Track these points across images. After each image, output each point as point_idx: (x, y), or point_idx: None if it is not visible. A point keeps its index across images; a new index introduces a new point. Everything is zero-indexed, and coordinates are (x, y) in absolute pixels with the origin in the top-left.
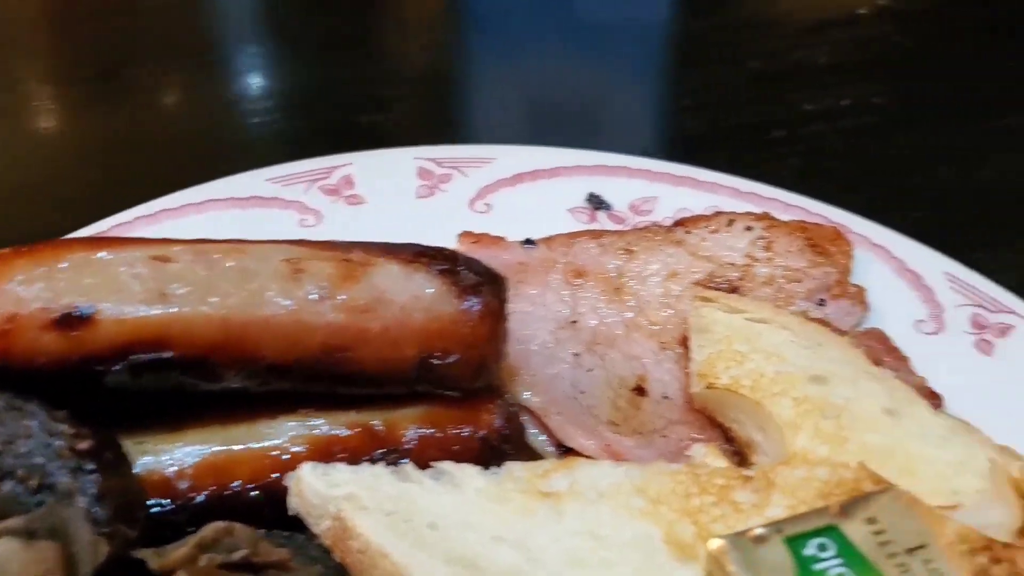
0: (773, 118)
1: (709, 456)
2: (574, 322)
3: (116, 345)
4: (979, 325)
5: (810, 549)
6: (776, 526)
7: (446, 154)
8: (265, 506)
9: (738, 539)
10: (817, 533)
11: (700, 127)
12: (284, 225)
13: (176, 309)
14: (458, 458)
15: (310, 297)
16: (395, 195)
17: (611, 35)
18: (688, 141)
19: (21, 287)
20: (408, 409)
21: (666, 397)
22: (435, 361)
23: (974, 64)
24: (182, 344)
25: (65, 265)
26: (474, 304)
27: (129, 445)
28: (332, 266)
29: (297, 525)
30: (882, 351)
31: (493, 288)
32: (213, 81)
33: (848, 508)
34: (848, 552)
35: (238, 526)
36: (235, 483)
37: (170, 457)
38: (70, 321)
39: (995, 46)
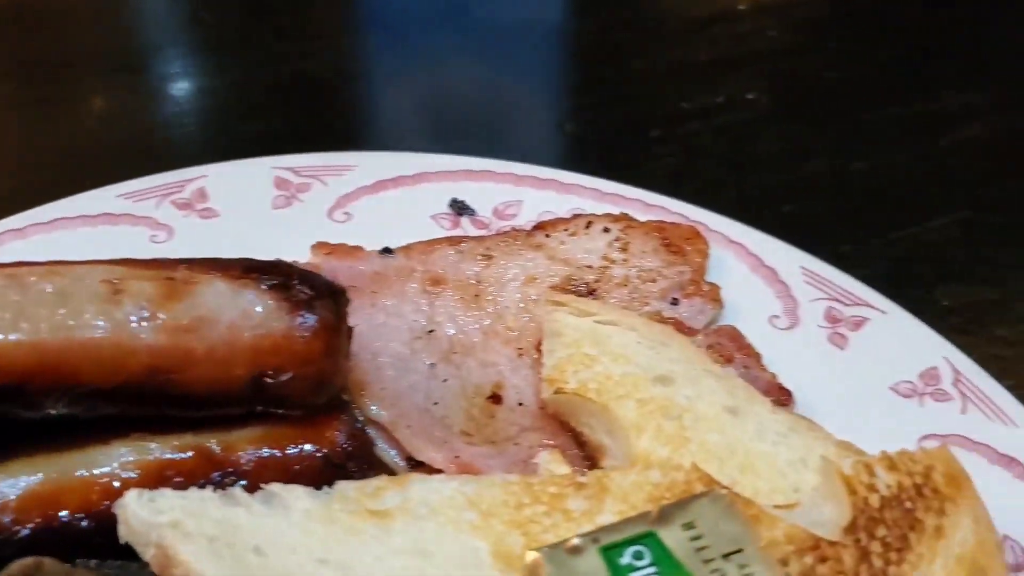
0: (651, 117)
1: (553, 463)
2: (431, 331)
3: None
4: (833, 319)
5: (626, 558)
6: (592, 535)
7: (305, 162)
8: (96, 535)
9: (553, 551)
10: (634, 541)
11: (580, 128)
12: (134, 242)
13: None
14: (300, 478)
15: (130, 319)
16: (250, 207)
17: (503, 36)
18: (568, 142)
19: None
20: (247, 429)
21: (521, 404)
22: (268, 380)
23: (849, 59)
24: None
25: None
26: (308, 320)
27: None
28: (154, 285)
29: (133, 554)
30: (733, 348)
31: (330, 302)
32: (125, 87)
33: (667, 514)
34: (664, 559)
35: (47, 560)
36: (63, 513)
37: None
38: None
39: (870, 40)
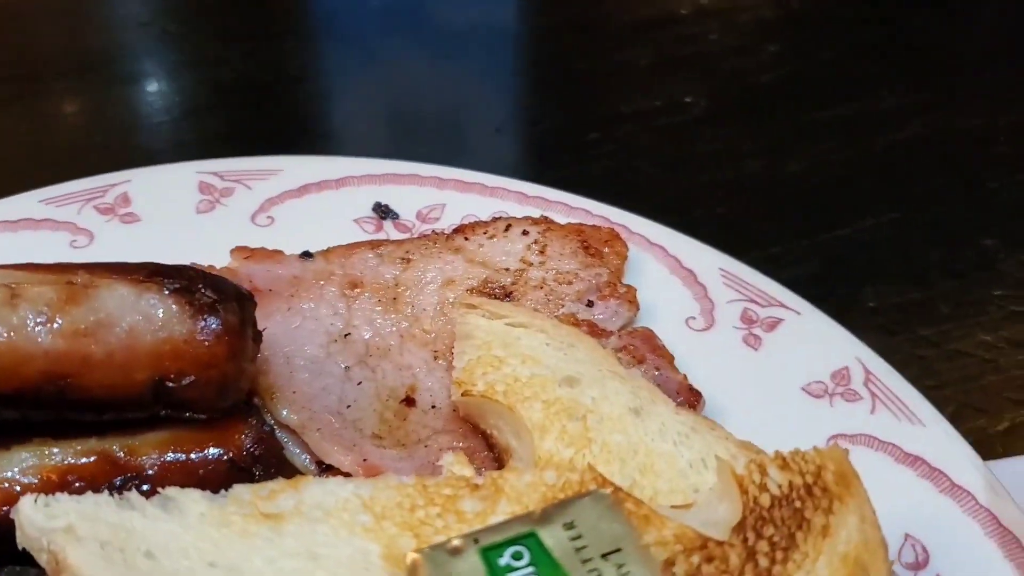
0: (590, 120)
1: (457, 465)
2: (347, 335)
3: None
4: (748, 320)
5: (505, 558)
6: (473, 536)
7: (230, 167)
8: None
9: (434, 552)
10: (514, 541)
11: (520, 130)
12: (55, 247)
13: None
14: (205, 482)
15: (27, 323)
16: (173, 212)
17: (451, 40)
18: (506, 144)
19: None
20: (151, 434)
21: (434, 407)
22: (170, 384)
23: (788, 61)
24: None
25: None
26: (211, 323)
27: None
28: (53, 290)
29: (31, 559)
30: (646, 350)
31: (235, 306)
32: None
33: (548, 514)
34: (542, 559)
35: None
36: None
37: None
38: None
39: (810, 42)
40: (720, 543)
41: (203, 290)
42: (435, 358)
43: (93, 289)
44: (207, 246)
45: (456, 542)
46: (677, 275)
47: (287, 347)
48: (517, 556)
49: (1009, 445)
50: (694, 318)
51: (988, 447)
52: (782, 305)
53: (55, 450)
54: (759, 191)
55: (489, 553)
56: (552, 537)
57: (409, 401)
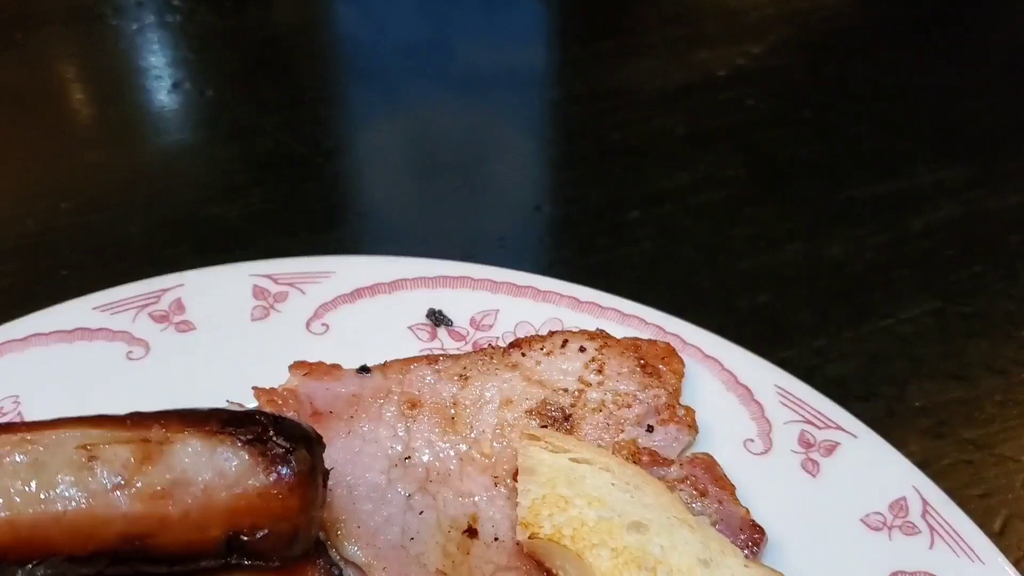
0: (629, 196)
1: None
2: (407, 458)
3: None
4: (807, 443)
5: None
6: None
7: (283, 268)
8: None
9: None
10: None
11: (557, 209)
12: (111, 359)
13: None
14: None
15: (105, 487)
16: (228, 319)
17: (485, 106)
18: (545, 223)
19: None
20: None
21: (496, 539)
22: (244, 538)
23: (823, 131)
24: None
25: None
26: (284, 474)
27: None
28: (128, 449)
29: None
30: (708, 480)
31: (305, 454)
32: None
33: None
34: None
35: None
36: None
37: None
38: None
39: (844, 109)
40: None
41: (275, 439)
42: (495, 484)
43: (168, 446)
44: (264, 356)
45: None
46: (734, 392)
47: (349, 475)
48: None
49: None
50: (752, 440)
51: None
52: (839, 428)
53: None
54: (799, 278)
55: None
56: None
57: (472, 532)
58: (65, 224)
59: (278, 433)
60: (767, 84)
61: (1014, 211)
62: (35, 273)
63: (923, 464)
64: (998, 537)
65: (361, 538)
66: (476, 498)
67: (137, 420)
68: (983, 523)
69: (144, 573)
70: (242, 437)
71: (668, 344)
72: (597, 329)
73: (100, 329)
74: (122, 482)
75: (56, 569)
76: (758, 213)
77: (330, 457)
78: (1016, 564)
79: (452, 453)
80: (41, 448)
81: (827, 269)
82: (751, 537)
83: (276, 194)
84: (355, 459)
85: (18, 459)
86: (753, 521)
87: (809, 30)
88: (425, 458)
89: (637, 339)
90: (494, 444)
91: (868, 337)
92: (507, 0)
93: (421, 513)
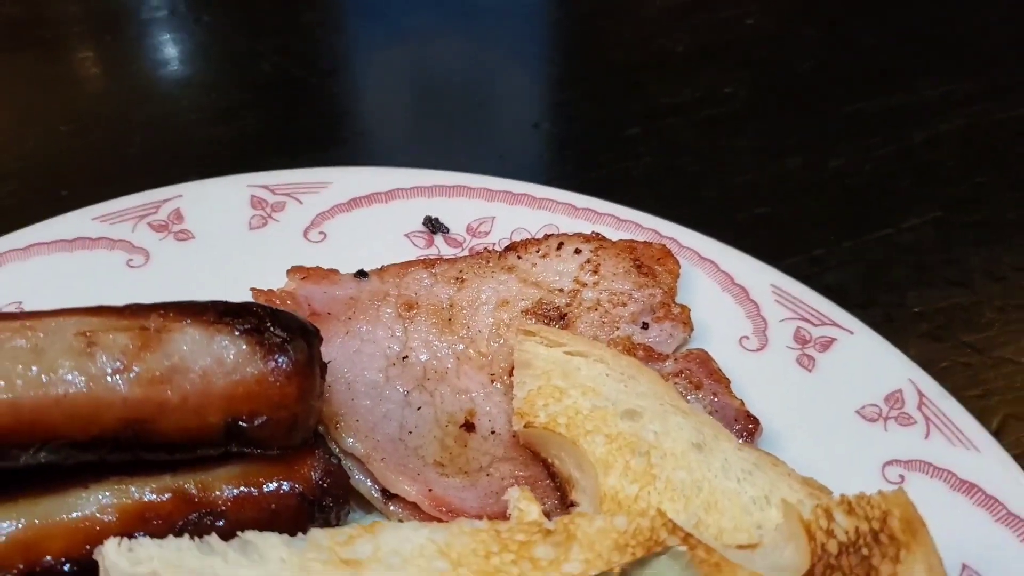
0: (629, 113)
1: (522, 500)
2: (405, 357)
3: None
4: (802, 340)
5: None
6: None
7: (281, 180)
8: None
9: None
10: None
11: (557, 127)
12: (112, 267)
13: None
14: (277, 515)
15: (105, 372)
16: (226, 228)
17: (486, 25)
18: (545, 139)
19: None
20: (223, 469)
21: (494, 432)
22: (243, 424)
23: (826, 47)
24: None
25: None
26: (282, 363)
27: None
28: (128, 336)
29: None
30: (703, 374)
31: (303, 343)
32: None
33: (628, 572)
34: None
35: None
36: (47, 558)
37: None
38: None
39: (848, 25)
40: None
41: (272, 329)
42: (492, 381)
43: (167, 334)
44: (262, 264)
45: None
46: (729, 292)
47: (348, 373)
48: None
49: None
50: (747, 338)
51: None
52: (835, 324)
53: (132, 488)
54: (801, 190)
55: None
56: None
57: (469, 426)
58: (65, 147)
59: (275, 324)
60: (769, 2)
61: (1018, 123)
62: (35, 192)
63: (921, 366)
64: (995, 436)
65: (360, 431)
66: (473, 394)
67: (135, 310)
68: (981, 422)
69: (145, 461)
70: (240, 327)
71: (663, 245)
72: (593, 232)
73: (100, 238)
74: (121, 367)
75: (59, 454)
76: (759, 127)
77: (328, 356)
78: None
79: (449, 352)
80: (41, 334)
81: (828, 181)
82: (745, 427)
83: (273, 115)
84: (353, 358)
85: (19, 344)
86: (748, 412)
87: None
88: (423, 357)
89: (633, 241)
90: (490, 343)
91: (868, 246)
92: None
93: (419, 409)
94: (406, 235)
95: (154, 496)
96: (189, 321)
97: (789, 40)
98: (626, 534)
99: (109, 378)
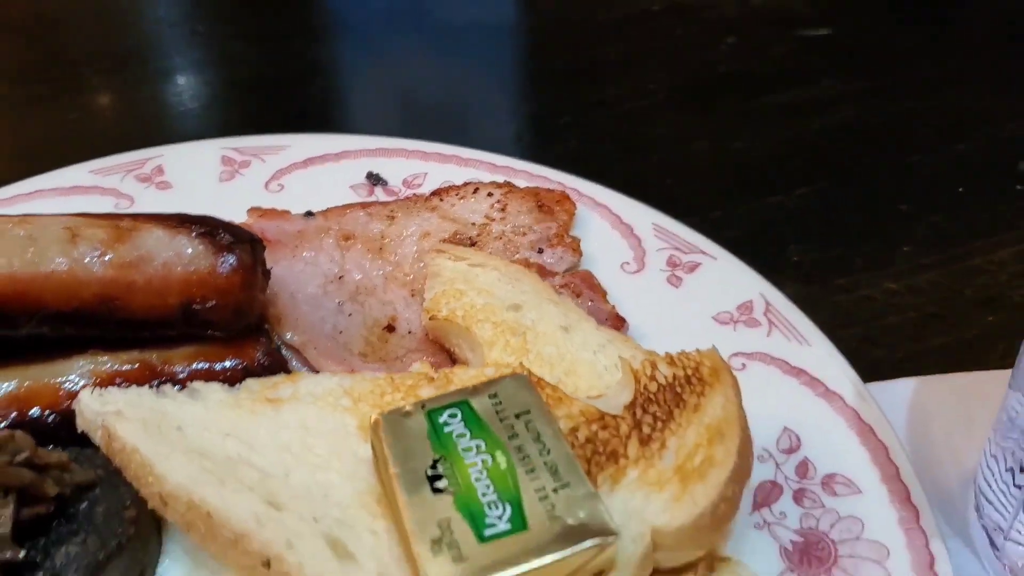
0: (562, 107)
1: (422, 368)
2: (341, 277)
3: None
4: (673, 264)
5: (444, 417)
6: (421, 403)
7: (248, 143)
8: (61, 429)
9: (391, 415)
10: (451, 406)
11: (500, 117)
12: (101, 209)
13: None
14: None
15: (84, 256)
16: (200, 180)
17: (451, 37)
18: (494, 129)
19: None
20: (182, 348)
21: (410, 332)
22: (196, 307)
23: (742, 54)
24: None
25: None
26: (228, 260)
27: None
28: (104, 231)
29: (87, 443)
30: (584, 287)
31: (247, 247)
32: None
33: (479, 389)
34: (471, 418)
35: (19, 433)
36: (34, 411)
37: None
38: None
39: (764, 36)
40: (614, 416)
41: (222, 234)
42: (412, 295)
43: (136, 231)
44: (228, 208)
45: (408, 408)
46: (617, 229)
47: (292, 286)
48: (452, 416)
49: (903, 373)
50: (628, 263)
51: (883, 375)
52: (702, 252)
53: (105, 359)
54: (705, 167)
55: (432, 414)
56: (480, 403)
57: (390, 328)
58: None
59: (226, 230)
60: (697, 17)
61: (903, 115)
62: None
63: (797, 304)
64: (850, 357)
65: (298, 328)
66: (396, 305)
67: (112, 215)
68: (844, 349)
69: (117, 338)
70: (196, 230)
71: (563, 191)
72: (505, 181)
73: (93, 187)
74: (98, 254)
75: (47, 324)
76: (674, 118)
77: (276, 274)
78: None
79: (378, 273)
80: (34, 227)
81: (729, 160)
82: (613, 324)
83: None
84: (298, 276)
85: (17, 232)
86: (617, 313)
87: None
88: (356, 277)
89: (538, 188)
90: (414, 266)
91: (760, 210)
92: None
93: (350, 315)
94: (351, 187)
95: (124, 366)
96: (155, 223)
97: (710, 48)
98: (492, 377)
99: (88, 260)
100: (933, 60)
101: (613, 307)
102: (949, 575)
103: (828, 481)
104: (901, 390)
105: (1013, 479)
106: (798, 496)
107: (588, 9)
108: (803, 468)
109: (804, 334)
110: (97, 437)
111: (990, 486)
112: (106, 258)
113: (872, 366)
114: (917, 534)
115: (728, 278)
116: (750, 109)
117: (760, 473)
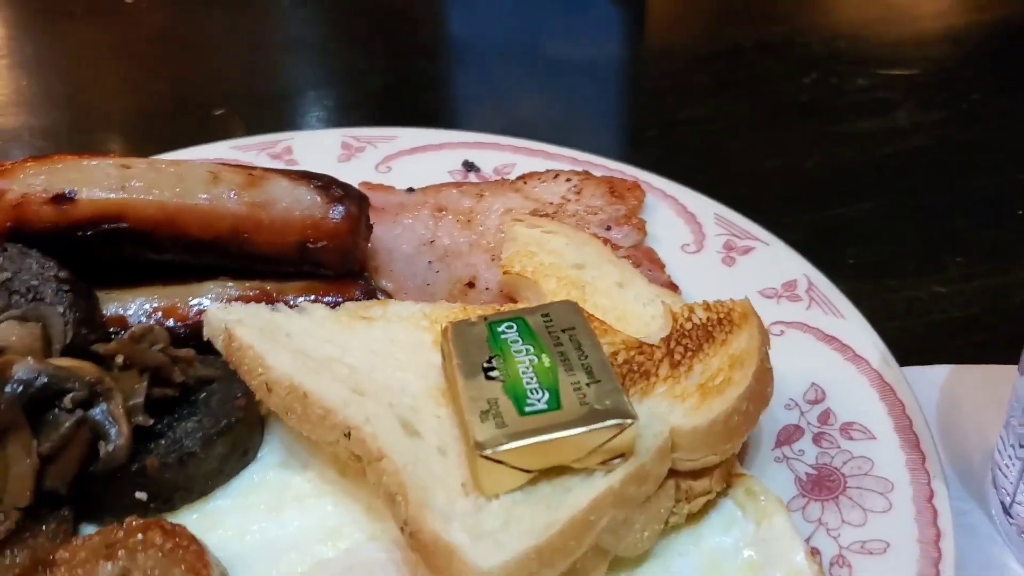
0: (650, 122)
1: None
2: (432, 241)
3: (90, 216)
4: (729, 247)
5: (501, 328)
6: (484, 316)
7: (364, 133)
8: (190, 339)
9: (459, 324)
10: (510, 320)
11: (591, 127)
12: None
13: (129, 196)
14: None
15: (222, 195)
16: (322, 160)
17: (563, 67)
18: (585, 135)
19: (31, 178)
20: (296, 282)
21: (487, 289)
22: (310, 246)
23: (822, 85)
24: (133, 219)
25: (60, 166)
26: (339, 209)
27: (102, 296)
28: (239, 176)
29: (211, 351)
30: (644, 259)
31: (355, 201)
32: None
33: (534, 309)
34: (524, 330)
35: (156, 327)
36: (169, 322)
37: (125, 305)
38: (60, 199)
39: (836, 71)
40: (651, 345)
41: (335, 188)
42: (492, 260)
43: (265, 179)
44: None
45: (473, 319)
46: (681, 217)
47: (390, 245)
48: (509, 327)
49: (939, 362)
50: (688, 244)
51: (919, 363)
52: (757, 239)
53: (231, 285)
54: (776, 180)
55: (492, 324)
56: (533, 319)
57: (471, 284)
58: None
59: (338, 186)
60: (783, 51)
61: (970, 145)
62: None
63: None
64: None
65: (392, 277)
66: (478, 267)
67: (248, 167)
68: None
69: (244, 269)
70: (315, 183)
71: (635, 180)
72: (583, 170)
73: (232, 161)
74: (233, 194)
75: (187, 252)
76: (752, 138)
77: (378, 233)
78: None
79: (464, 241)
80: (184, 169)
81: (801, 176)
82: (669, 289)
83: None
84: (396, 238)
85: (169, 171)
86: (672, 281)
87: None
88: (445, 243)
89: (612, 176)
90: (496, 236)
91: (823, 219)
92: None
93: (438, 272)
94: (448, 172)
95: (245, 292)
96: (281, 175)
97: (792, 79)
98: None
99: (224, 198)
100: (1010, 95)
101: (668, 277)
102: (946, 509)
103: (846, 428)
104: (935, 375)
105: (1015, 452)
106: (817, 438)
107: (688, 45)
108: (825, 416)
109: (840, 309)
110: (219, 341)
111: (1003, 458)
112: (240, 198)
113: (908, 354)
114: (921, 474)
115: (778, 261)
116: (825, 134)
117: (785, 418)
